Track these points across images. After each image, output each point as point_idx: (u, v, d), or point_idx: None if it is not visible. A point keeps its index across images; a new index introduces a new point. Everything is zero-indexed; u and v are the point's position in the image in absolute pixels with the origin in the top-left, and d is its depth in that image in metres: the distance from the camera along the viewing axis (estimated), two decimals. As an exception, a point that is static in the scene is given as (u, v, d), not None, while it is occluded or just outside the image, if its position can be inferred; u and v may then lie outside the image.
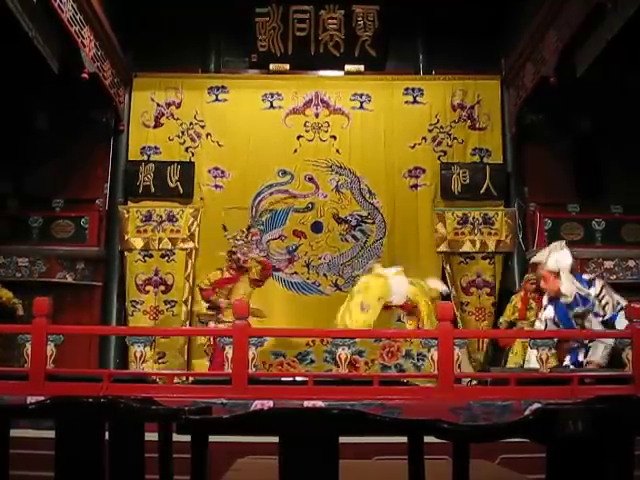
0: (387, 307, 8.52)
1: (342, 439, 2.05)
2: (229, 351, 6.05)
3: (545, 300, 7.02)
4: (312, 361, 9.99)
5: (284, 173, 10.80)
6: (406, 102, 11.04)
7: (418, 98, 11.05)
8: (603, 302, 6.49)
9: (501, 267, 10.64)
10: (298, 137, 10.91)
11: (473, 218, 10.61)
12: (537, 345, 6.23)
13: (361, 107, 11.03)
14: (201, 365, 9.49)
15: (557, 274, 6.68)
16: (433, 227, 10.64)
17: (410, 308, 8.54)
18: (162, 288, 10.49)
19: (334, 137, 10.92)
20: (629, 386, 5.89)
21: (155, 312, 10.42)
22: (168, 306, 10.42)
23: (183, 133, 10.88)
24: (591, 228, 10.47)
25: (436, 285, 9.03)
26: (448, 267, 10.52)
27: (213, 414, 2.82)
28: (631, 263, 10.13)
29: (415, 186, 10.81)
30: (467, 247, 10.57)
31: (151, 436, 2.44)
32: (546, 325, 6.82)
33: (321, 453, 2.03)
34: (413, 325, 8.44)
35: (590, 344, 6.52)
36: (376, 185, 10.80)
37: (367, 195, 10.76)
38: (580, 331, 6.66)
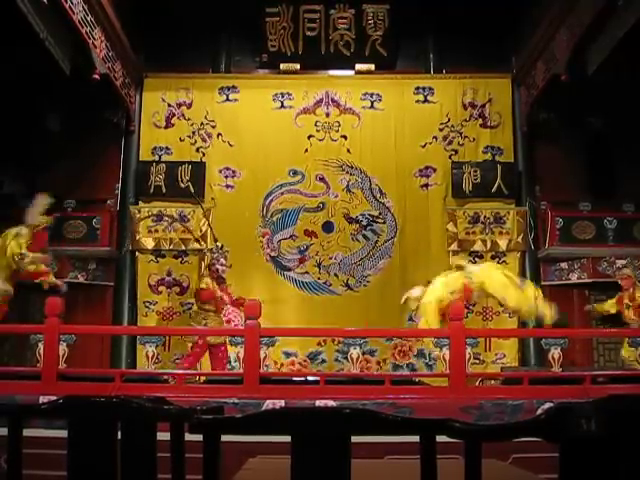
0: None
1: (354, 439, 2.04)
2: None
3: None
4: (323, 361, 10.03)
5: (295, 173, 10.78)
6: (417, 101, 11.01)
7: (429, 97, 11.01)
8: None
9: (518, 265, 10.50)
10: (309, 137, 10.89)
11: (484, 217, 10.56)
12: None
13: (372, 106, 11.00)
14: None
15: None
16: (444, 226, 10.59)
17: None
18: (177, 289, 10.49)
19: (345, 137, 10.90)
20: (642, 385, 5.88)
21: (169, 313, 10.41)
22: (184, 308, 10.36)
23: (194, 133, 10.89)
24: (603, 227, 10.40)
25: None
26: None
27: (225, 414, 2.82)
28: (643, 262, 10.08)
29: (426, 185, 10.77)
30: (478, 246, 10.50)
31: (163, 436, 2.44)
32: None
33: (333, 453, 2.02)
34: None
35: None
36: (387, 185, 10.76)
37: (378, 195, 10.72)
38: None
